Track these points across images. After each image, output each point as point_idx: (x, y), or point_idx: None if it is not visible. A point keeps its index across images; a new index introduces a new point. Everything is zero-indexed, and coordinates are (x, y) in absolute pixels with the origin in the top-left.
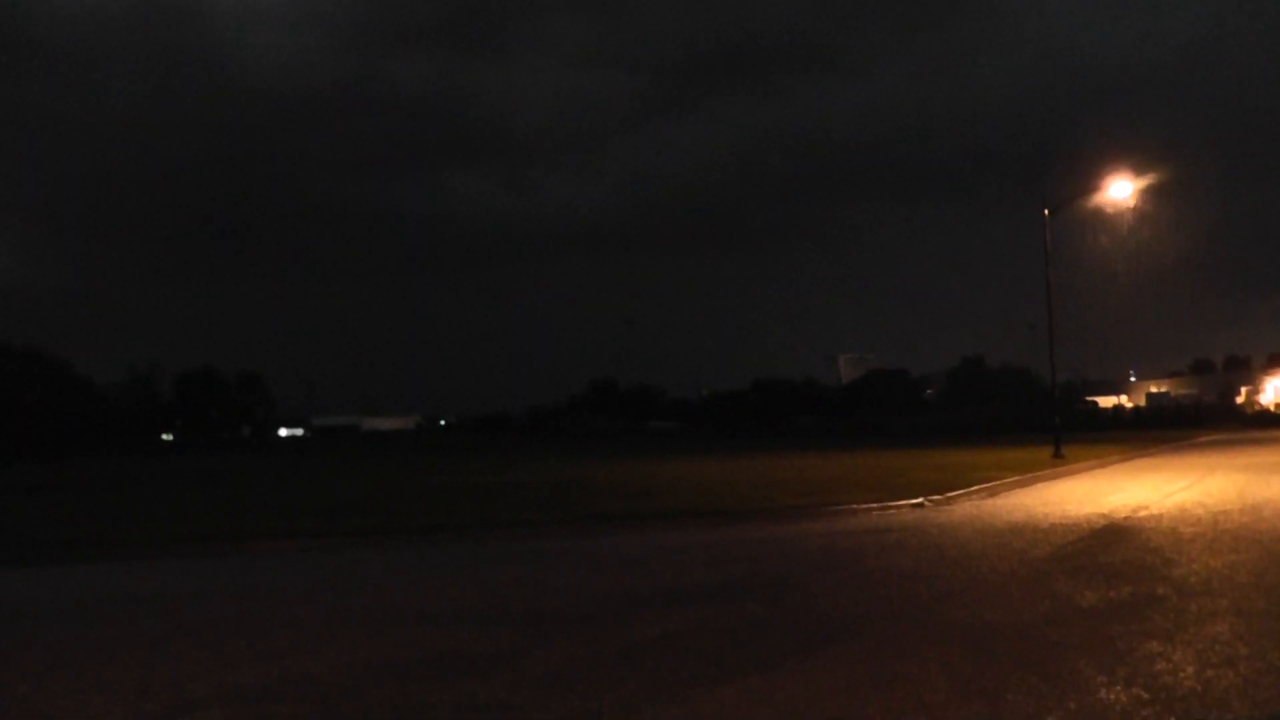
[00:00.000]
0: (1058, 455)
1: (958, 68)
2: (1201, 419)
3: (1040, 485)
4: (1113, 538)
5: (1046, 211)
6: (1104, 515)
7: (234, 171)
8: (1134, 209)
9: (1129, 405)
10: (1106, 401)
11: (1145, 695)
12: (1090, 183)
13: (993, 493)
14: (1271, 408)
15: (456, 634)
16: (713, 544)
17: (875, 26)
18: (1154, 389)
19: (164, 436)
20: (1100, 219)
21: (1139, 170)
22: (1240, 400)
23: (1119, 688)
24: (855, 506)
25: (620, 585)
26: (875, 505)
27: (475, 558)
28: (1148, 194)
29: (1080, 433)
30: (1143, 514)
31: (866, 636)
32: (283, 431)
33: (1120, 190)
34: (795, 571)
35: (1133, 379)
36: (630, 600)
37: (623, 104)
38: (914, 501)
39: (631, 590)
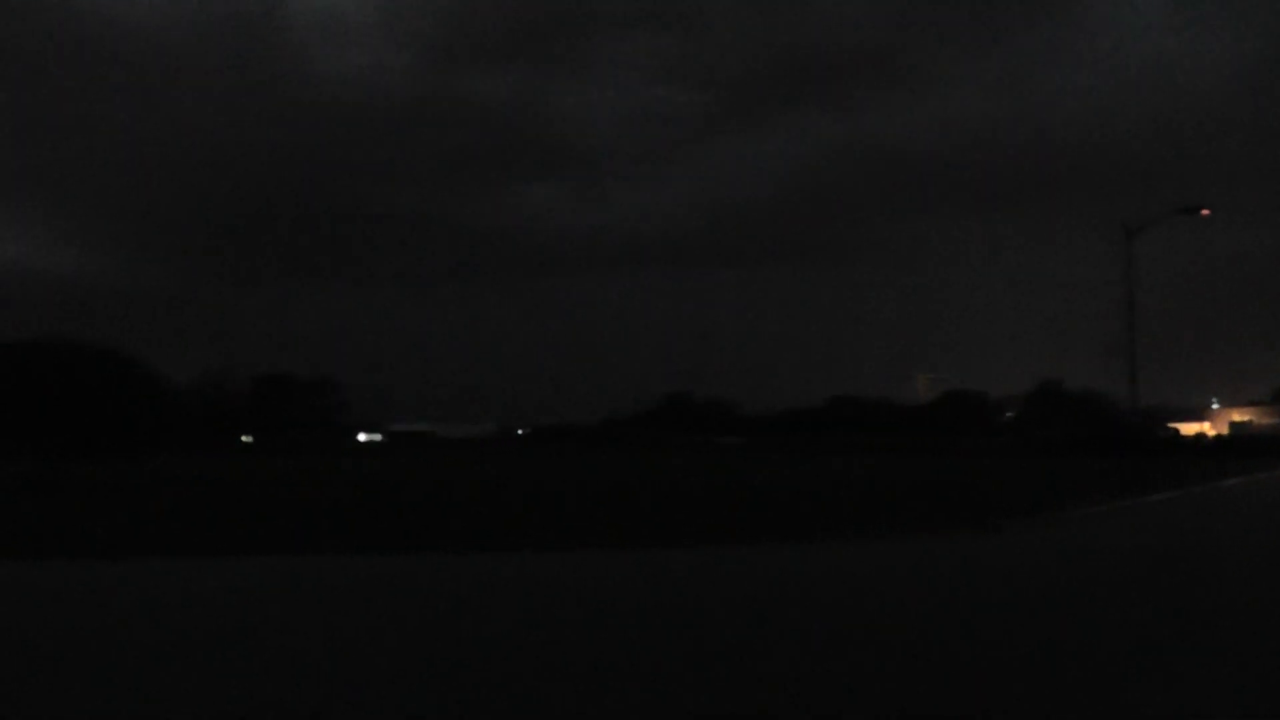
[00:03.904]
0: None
1: (1033, 83)
2: None
3: None
4: None
5: (1126, 232)
6: None
7: (312, 182)
8: (1213, 230)
9: (1211, 433)
10: (1189, 428)
11: None
12: (1170, 203)
13: None
14: None
15: None
16: None
17: (947, 41)
18: (1236, 417)
19: (243, 438)
20: (1181, 240)
21: (1221, 190)
22: None
23: None
24: None
25: None
26: None
27: None
28: (1229, 215)
29: (1161, 459)
30: None
31: None
32: (361, 436)
33: (1200, 212)
34: None
35: (1215, 406)
36: None
37: (694, 118)
38: None
39: None
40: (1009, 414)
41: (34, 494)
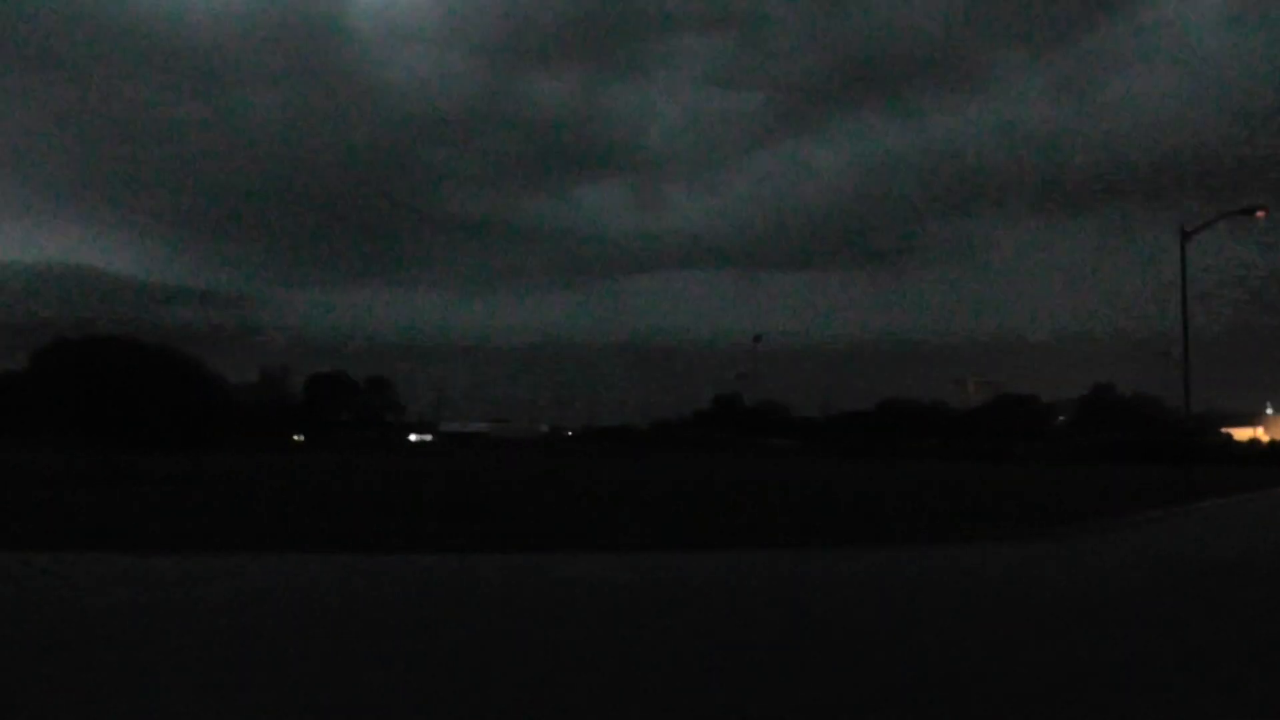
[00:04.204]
0: None
1: (1091, 85)
2: None
3: None
4: None
5: (1182, 234)
6: None
7: (370, 183)
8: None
9: (1265, 439)
10: (1242, 434)
11: None
12: (1228, 205)
13: None
14: None
15: None
16: None
17: (1007, 43)
18: None
19: (295, 437)
20: (1239, 243)
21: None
22: None
23: None
24: None
25: None
26: None
27: None
28: None
29: (1214, 466)
30: None
31: None
32: (412, 437)
33: (1256, 213)
34: None
35: (1270, 412)
36: None
37: (753, 122)
38: None
39: None
40: (1060, 418)
41: (93, 487)
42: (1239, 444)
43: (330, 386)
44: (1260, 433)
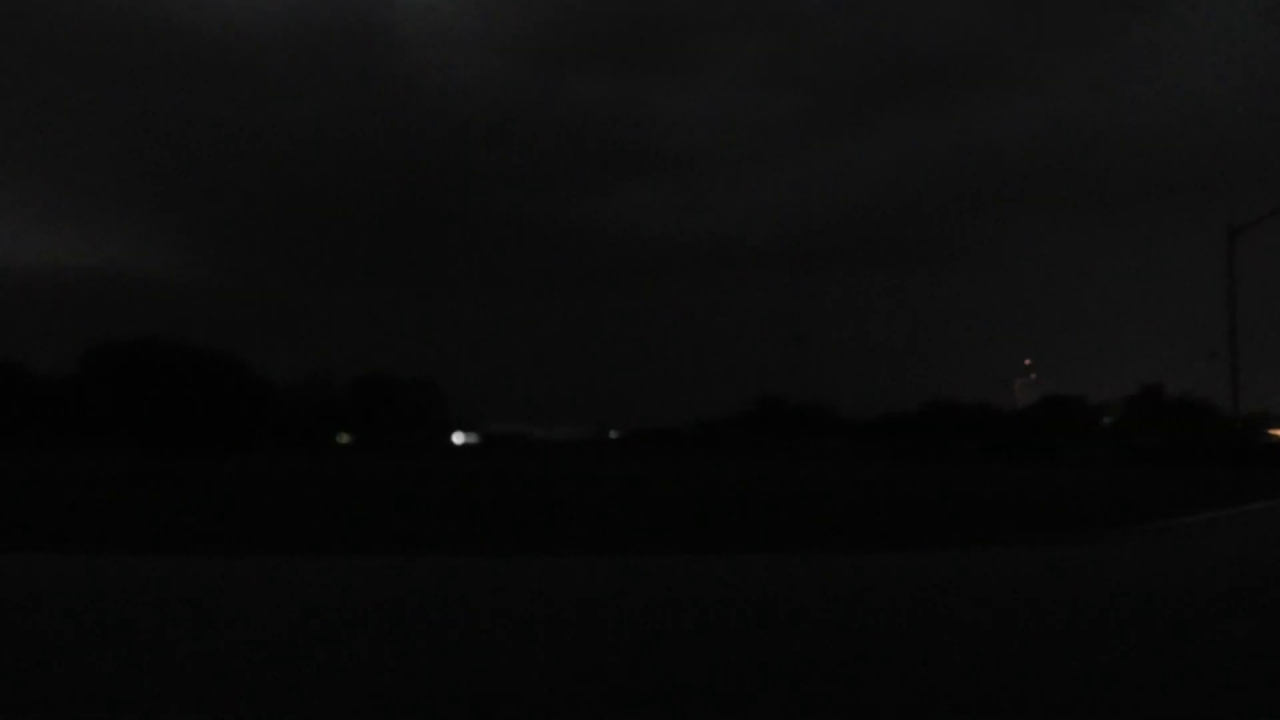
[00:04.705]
0: None
1: (1138, 79)
2: None
3: None
4: None
5: (1230, 231)
6: None
7: (412, 185)
8: None
9: None
10: None
11: None
12: (1277, 202)
13: None
14: None
15: None
16: None
17: (1050, 40)
18: None
19: (340, 439)
20: None
21: None
22: None
23: None
24: None
25: None
26: None
27: None
28: None
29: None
30: None
31: None
32: (457, 438)
33: None
34: None
35: None
36: None
37: (795, 121)
38: None
39: None
40: (1107, 419)
41: (141, 487)
42: None
43: (375, 388)
44: None
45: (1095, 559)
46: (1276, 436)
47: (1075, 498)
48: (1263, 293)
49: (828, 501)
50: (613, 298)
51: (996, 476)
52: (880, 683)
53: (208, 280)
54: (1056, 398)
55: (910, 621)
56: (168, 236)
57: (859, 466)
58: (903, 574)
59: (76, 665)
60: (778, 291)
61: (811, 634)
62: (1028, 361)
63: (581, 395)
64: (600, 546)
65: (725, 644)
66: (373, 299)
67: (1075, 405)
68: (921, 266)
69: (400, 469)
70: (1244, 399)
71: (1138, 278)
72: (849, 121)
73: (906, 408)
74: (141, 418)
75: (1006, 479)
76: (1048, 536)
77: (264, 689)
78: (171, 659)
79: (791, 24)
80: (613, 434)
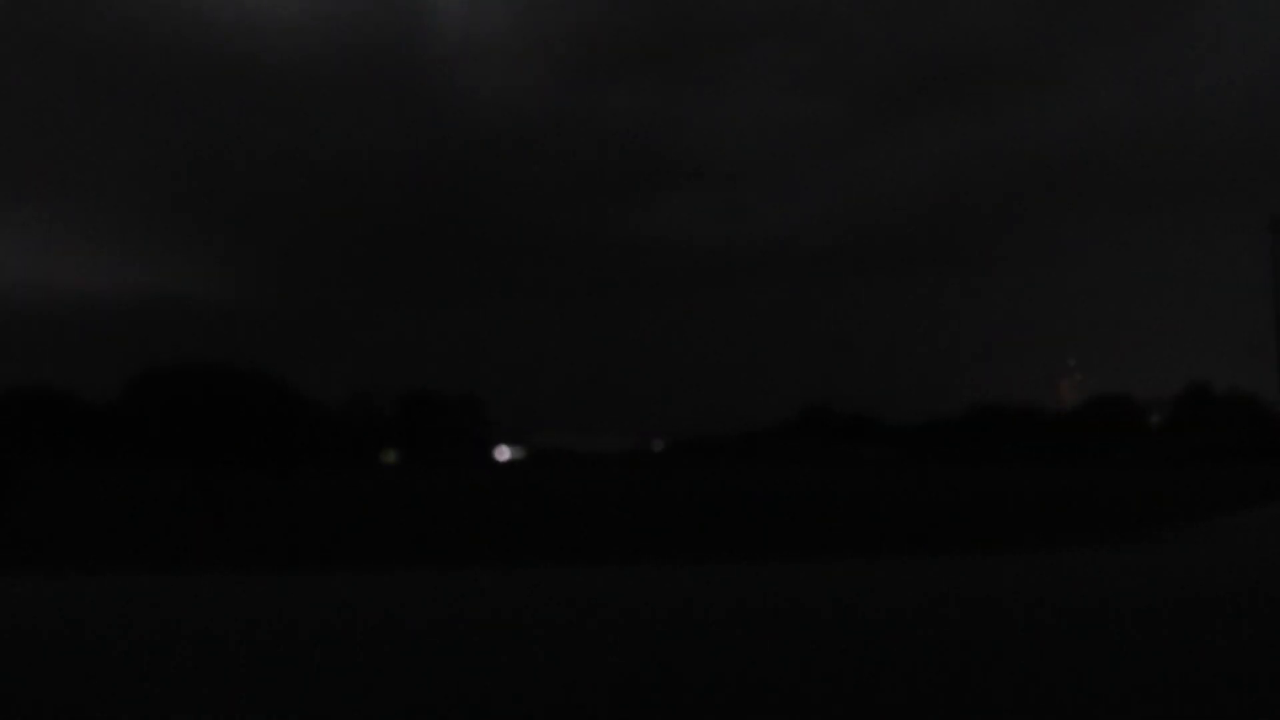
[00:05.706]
0: None
1: (1178, 76)
2: None
3: None
4: None
5: (1273, 224)
6: None
7: (452, 199)
8: None
9: None
10: None
11: None
12: None
13: None
14: None
15: None
16: None
17: (1089, 38)
18: None
19: (386, 456)
20: None
21: None
22: None
23: None
24: None
25: None
26: None
27: None
28: None
29: None
30: None
31: None
32: (501, 454)
33: None
34: None
35: None
36: None
37: (831, 127)
38: None
39: None
40: (1155, 418)
41: (188, 507)
42: None
43: (419, 403)
44: None
45: (1162, 560)
46: None
47: (1131, 498)
48: None
49: (882, 507)
50: (655, 308)
51: (1050, 479)
52: (972, 687)
53: (249, 301)
54: (1103, 398)
55: (1001, 628)
56: (208, 258)
57: (908, 473)
58: (974, 579)
59: (158, 677)
60: (819, 298)
61: (902, 643)
62: (1071, 362)
63: (625, 406)
64: (656, 556)
65: (800, 652)
66: (414, 314)
67: (1122, 404)
68: (963, 269)
69: (445, 488)
70: None
71: (1181, 275)
72: (886, 126)
73: (952, 412)
74: (190, 442)
75: (1059, 480)
76: (1112, 537)
77: (312, 699)
78: (232, 667)
79: (826, 30)
80: (657, 445)
